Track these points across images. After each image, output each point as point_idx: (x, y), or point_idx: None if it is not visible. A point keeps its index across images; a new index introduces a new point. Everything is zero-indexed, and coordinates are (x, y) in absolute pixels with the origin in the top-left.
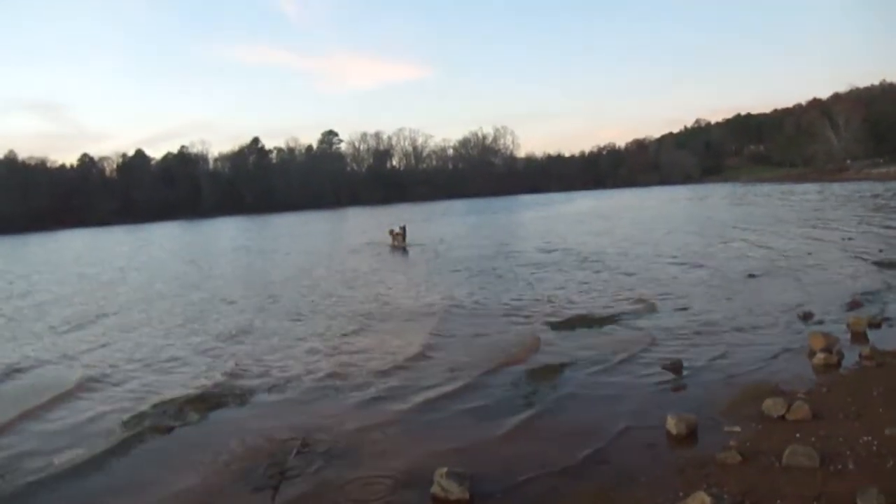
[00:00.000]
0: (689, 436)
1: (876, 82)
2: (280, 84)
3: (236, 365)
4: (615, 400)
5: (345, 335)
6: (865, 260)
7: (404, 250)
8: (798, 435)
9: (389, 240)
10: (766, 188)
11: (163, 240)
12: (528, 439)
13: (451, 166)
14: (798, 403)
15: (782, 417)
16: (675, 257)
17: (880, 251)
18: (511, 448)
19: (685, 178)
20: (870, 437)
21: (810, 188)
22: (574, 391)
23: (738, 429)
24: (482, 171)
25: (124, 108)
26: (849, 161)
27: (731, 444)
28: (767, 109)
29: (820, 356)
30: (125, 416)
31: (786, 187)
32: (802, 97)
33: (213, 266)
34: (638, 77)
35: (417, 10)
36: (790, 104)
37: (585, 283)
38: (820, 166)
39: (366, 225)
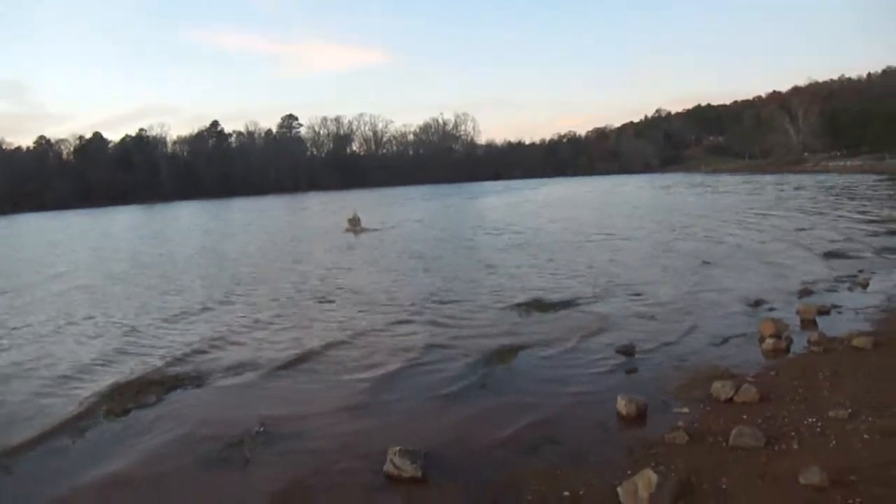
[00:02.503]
0: (639, 417)
1: (835, 77)
2: (242, 68)
3: (194, 348)
4: (568, 382)
5: (299, 320)
6: (817, 250)
7: (357, 232)
8: (745, 416)
9: (346, 225)
10: (725, 179)
11: (114, 226)
12: (481, 420)
13: (411, 152)
14: (746, 386)
15: (730, 400)
16: (633, 244)
17: (831, 242)
18: (465, 428)
19: (645, 168)
20: (814, 419)
21: (768, 179)
22: (528, 373)
23: (686, 410)
24: (442, 158)
25: (84, 90)
26: (806, 154)
27: (679, 424)
28: (728, 101)
29: (769, 342)
30: (80, 399)
31: (745, 178)
32: (762, 90)
33: (172, 250)
34: (600, 67)
35: None
36: (750, 96)
37: (542, 268)
38: (778, 158)
39: (324, 210)
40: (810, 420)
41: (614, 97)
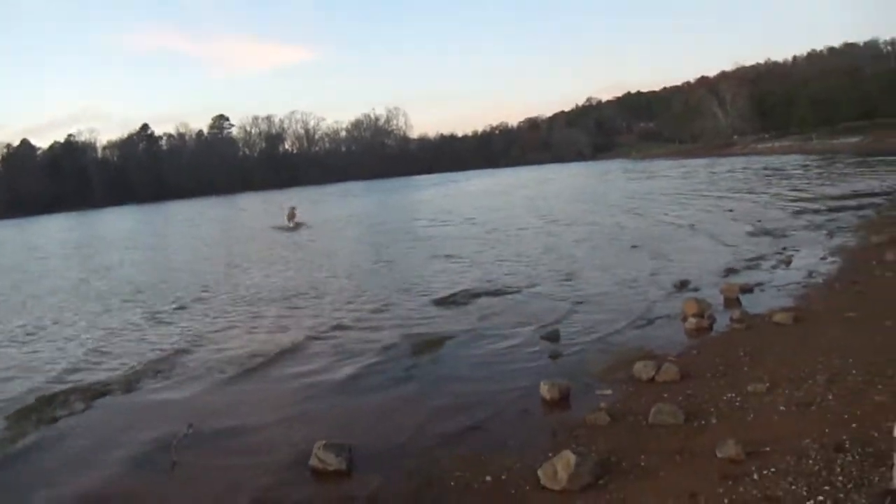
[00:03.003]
0: (562, 400)
1: (761, 61)
2: (170, 69)
3: (123, 355)
4: (493, 370)
5: (231, 322)
6: (745, 230)
7: (292, 228)
8: (666, 395)
9: (284, 221)
10: (657, 164)
11: (41, 237)
12: (406, 411)
13: (343, 148)
14: (667, 366)
15: (652, 379)
16: (562, 232)
17: (758, 221)
18: (390, 420)
19: (577, 156)
20: (733, 394)
21: (699, 163)
22: (453, 363)
23: (609, 392)
24: (375, 153)
25: (10, 96)
26: (736, 137)
27: (601, 406)
28: (657, 87)
29: (692, 321)
30: (7, 409)
31: (676, 162)
32: (691, 75)
33: (102, 259)
34: (530, 57)
35: None
36: (679, 82)
37: (472, 258)
38: (708, 142)
39: (258, 210)
40: (729, 395)
41: (545, 87)
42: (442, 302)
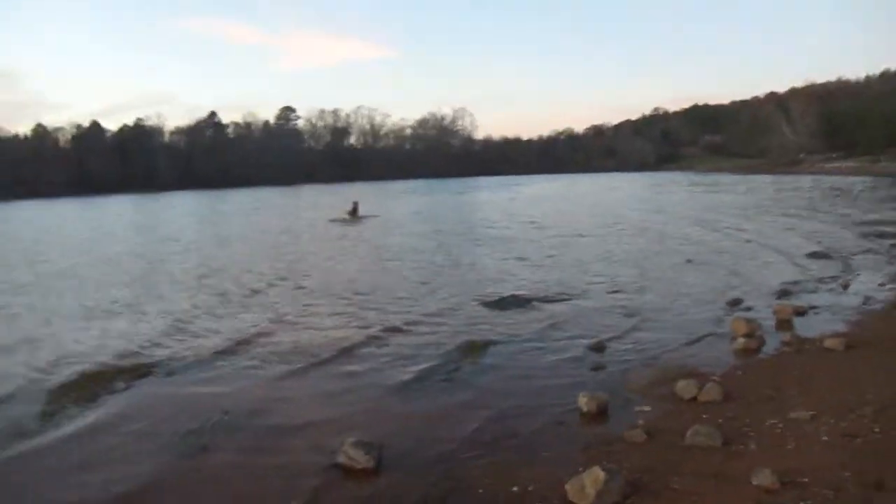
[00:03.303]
0: (600, 414)
1: (833, 79)
2: (240, 59)
3: (172, 336)
4: (534, 378)
5: (279, 311)
6: (804, 250)
7: (353, 222)
8: (706, 416)
9: (345, 215)
10: (721, 178)
11: (108, 216)
12: (442, 413)
13: (408, 146)
14: (710, 385)
15: (694, 399)
16: (620, 241)
17: (819, 242)
18: (425, 421)
19: (641, 166)
20: (776, 420)
21: (765, 179)
22: (495, 368)
23: (648, 408)
24: (440, 152)
25: (82, 78)
26: (803, 155)
27: (639, 422)
28: (725, 101)
29: (740, 341)
30: (50, 385)
31: (741, 177)
32: (759, 90)
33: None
34: (598, 64)
35: None
36: (748, 96)
37: (527, 263)
38: (774, 158)
39: (322, 202)
40: (772, 421)
41: (612, 95)
42: (494, 306)
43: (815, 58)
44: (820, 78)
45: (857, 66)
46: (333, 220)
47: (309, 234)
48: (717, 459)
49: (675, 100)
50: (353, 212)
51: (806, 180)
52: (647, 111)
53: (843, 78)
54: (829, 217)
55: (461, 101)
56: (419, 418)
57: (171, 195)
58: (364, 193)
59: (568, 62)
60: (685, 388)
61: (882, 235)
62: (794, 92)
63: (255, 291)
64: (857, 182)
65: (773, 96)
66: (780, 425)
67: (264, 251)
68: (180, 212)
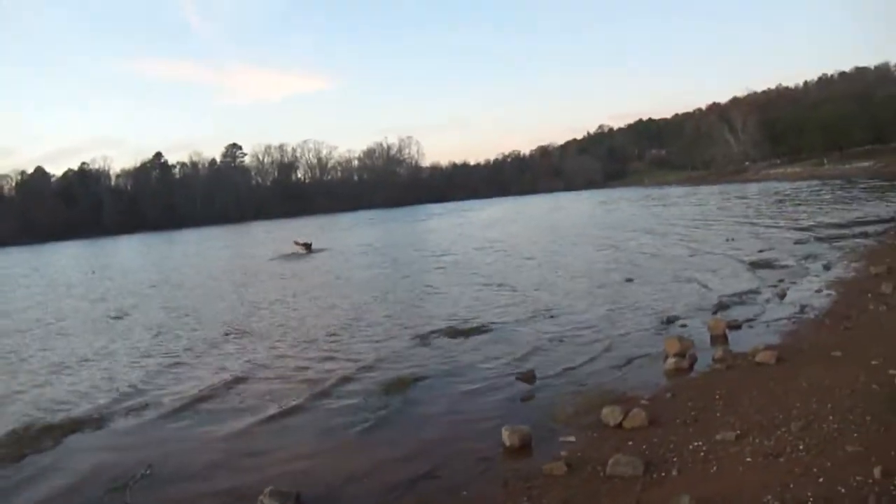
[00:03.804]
0: (523, 447)
1: (772, 86)
2: (184, 97)
3: (99, 389)
4: (462, 413)
5: (211, 354)
6: (744, 260)
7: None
8: (631, 443)
9: (296, 249)
10: (669, 191)
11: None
12: (363, 456)
13: (356, 177)
14: (635, 411)
15: (620, 425)
16: (561, 263)
17: (760, 251)
18: (344, 465)
19: (589, 184)
20: (700, 443)
21: (711, 189)
22: (422, 404)
23: (572, 438)
24: (387, 182)
25: (25, 124)
26: (747, 163)
27: (561, 454)
28: (669, 115)
29: (671, 361)
30: None
31: (688, 189)
32: (703, 102)
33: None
34: (542, 85)
35: (322, 23)
36: (691, 109)
37: (468, 291)
38: (720, 168)
39: (266, 239)
40: (696, 444)
41: (557, 115)
42: (428, 337)
43: (756, 67)
44: (760, 87)
45: (795, 73)
46: (283, 256)
47: (251, 274)
48: (637, 488)
49: (619, 116)
50: (307, 246)
51: (752, 188)
52: (593, 129)
53: (783, 85)
54: (771, 224)
55: (407, 130)
56: (338, 460)
57: (117, 239)
58: (312, 227)
59: (513, 85)
60: (610, 414)
61: (821, 240)
62: (735, 102)
63: (192, 336)
64: (804, 186)
65: (715, 107)
66: (705, 448)
67: (208, 297)
68: (122, 258)
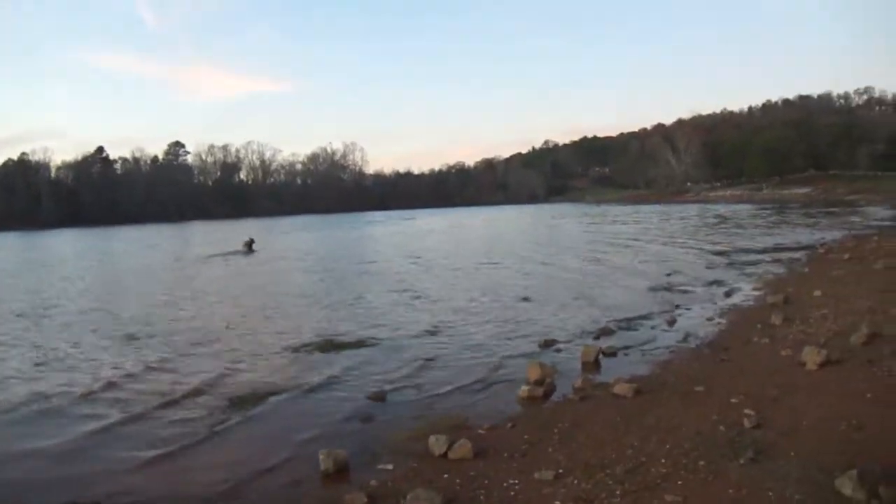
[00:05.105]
0: (339, 472)
1: (717, 110)
2: (132, 92)
3: None
4: (298, 431)
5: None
6: (649, 283)
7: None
8: (446, 475)
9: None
10: (610, 208)
11: None
12: (176, 468)
13: (299, 181)
14: (462, 441)
15: (444, 455)
16: (473, 277)
17: (668, 274)
18: (152, 476)
19: (531, 198)
20: (516, 481)
21: (651, 209)
22: (262, 420)
23: (390, 466)
24: (330, 187)
25: None
26: (689, 184)
27: (371, 483)
28: (614, 133)
29: (524, 388)
30: None
31: (629, 208)
32: (648, 122)
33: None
34: (489, 98)
35: (274, 24)
36: (636, 128)
37: (373, 302)
38: (662, 188)
39: (207, 241)
40: (511, 481)
41: (503, 128)
42: (306, 349)
43: (701, 90)
44: (705, 109)
45: (741, 98)
46: (212, 256)
47: (169, 274)
48: None
49: (564, 132)
50: (249, 244)
51: (692, 209)
52: (538, 144)
53: (727, 109)
54: (691, 245)
55: (353, 136)
56: (149, 475)
57: (55, 233)
58: (253, 229)
59: (460, 96)
60: (436, 443)
61: (733, 265)
62: (680, 123)
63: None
64: (739, 210)
65: (659, 128)
66: (518, 486)
67: (110, 296)
68: (58, 253)
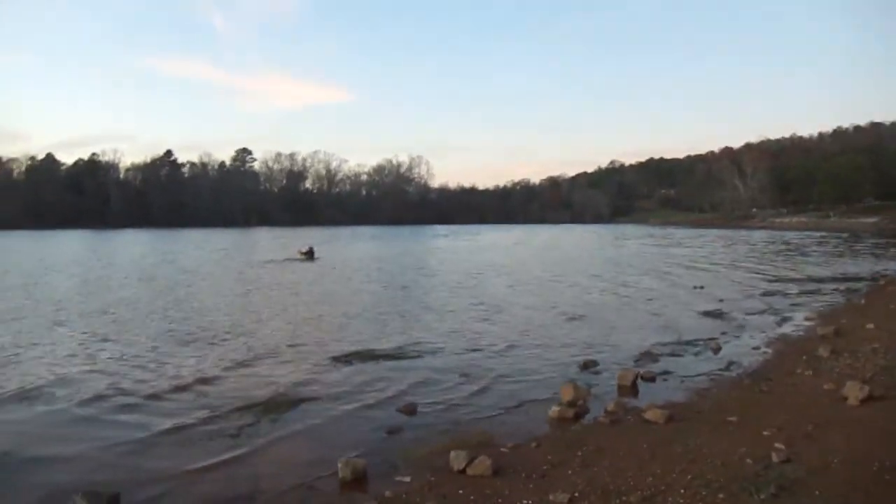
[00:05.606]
0: (356, 481)
1: (786, 135)
2: (199, 98)
3: None
4: (322, 438)
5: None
6: (700, 308)
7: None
8: (461, 491)
9: (300, 256)
10: (676, 231)
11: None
12: (201, 468)
13: (364, 192)
14: (481, 458)
15: (463, 471)
16: (531, 294)
17: (721, 300)
18: (179, 475)
19: (596, 218)
20: (530, 501)
21: (718, 233)
22: (290, 425)
23: (408, 479)
24: (395, 199)
25: (39, 110)
26: (754, 209)
27: (385, 494)
28: (681, 155)
29: (555, 409)
30: None
31: (694, 231)
32: (715, 145)
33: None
34: (557, 117)
35: (346, 35)
36: (703, 151)
37: (415, 314)
38: (727, 213)
39: (273, 246)
40: (525, 502)
41: (569, 147)
42: (348, 358)
43: (772, 115)
44: (774, 134)
45: (811, 124)
46: (277, 262)
47: (237, 278)
48: None
49: (631, 153)
50: (309, 253)
51: (759, 235)
52: (604, 164)
53: (797, 135)
54: (757, 270)
55: (419, 149)
56: (175, 473)
57: (123, 232)
58: (317, 237)
59: (527, 113)
60: (456, 459)
61: (787, 294)
62: (748, 147)
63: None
64: (808, 237)
65: (727, 151)
66: None
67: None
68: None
